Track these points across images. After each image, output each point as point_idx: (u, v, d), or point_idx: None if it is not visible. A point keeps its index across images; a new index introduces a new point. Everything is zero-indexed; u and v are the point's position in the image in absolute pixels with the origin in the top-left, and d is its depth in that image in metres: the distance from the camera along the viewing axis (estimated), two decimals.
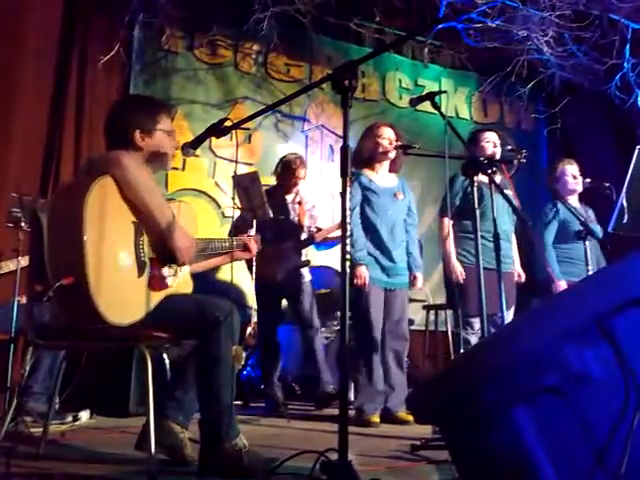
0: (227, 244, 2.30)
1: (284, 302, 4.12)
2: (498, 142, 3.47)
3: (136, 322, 1.89)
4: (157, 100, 2.43)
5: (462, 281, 3.33)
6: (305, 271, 4.04)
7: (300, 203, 4.09)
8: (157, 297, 1.98)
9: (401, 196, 3.56)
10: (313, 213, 4.15)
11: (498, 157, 3.38)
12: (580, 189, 3.82)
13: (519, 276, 3.61)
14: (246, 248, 2.37)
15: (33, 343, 2.08)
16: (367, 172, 3.53)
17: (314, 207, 4.18)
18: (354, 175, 3.49)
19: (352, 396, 3.66)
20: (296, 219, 4.04)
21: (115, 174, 1.90)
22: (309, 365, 4.10)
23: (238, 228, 3.63)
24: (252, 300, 4.49)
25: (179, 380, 2.11)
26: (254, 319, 4.49)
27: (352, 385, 3.64)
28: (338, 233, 3.98)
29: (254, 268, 3.51)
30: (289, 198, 4.09)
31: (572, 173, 3.83)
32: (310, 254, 4.28)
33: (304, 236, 4.04)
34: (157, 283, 1.99)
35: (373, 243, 3.45)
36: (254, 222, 3.52)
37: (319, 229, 4.11)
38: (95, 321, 1.80)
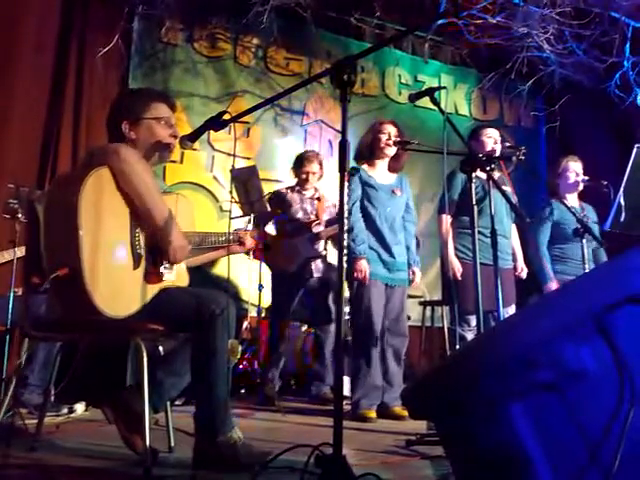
0: (223, 238, 2.31)
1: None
2: (499, 139, 3.46)
3: (132, 315, 1.88)
4: (149, 89, 2.40)
5: (459, 278, 3.33)
6: (314, 266, 4.05)
7: (319, 199, 4.16)
8: (153, 290, 1.97)
9: (399, 193, 3.55)
10: (332, 210, 4.21)
11: (498, 154, 3.37)
12: (581, 187, 3.81)
13: (521, 270, 3.61)
14: (241, 242, 2.40)
15: (29, 335, 2.08)
16: (366, 168, 3.53)
17: (335, 206, 4.20)
18: (353, 170, 3.48)
19: (347, 391, 3.66)
20: (314, 214, 4.08)
21: (112, 165, 1.89)
22: (317, 362, 4.13)
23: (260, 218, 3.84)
24: (248, 295, 4.50)
25: (165, 363, 2.10)
26: (251, 313, 4.49)
27: (349, 380, 3.64)
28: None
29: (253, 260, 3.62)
30: (307, 194, 4.14)
31: (575, 170, 3.81)
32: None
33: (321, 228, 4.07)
34: (153, 276, 1.98)
35: (374, 238, 3.44)
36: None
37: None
38: (90, 313, 1.79)
